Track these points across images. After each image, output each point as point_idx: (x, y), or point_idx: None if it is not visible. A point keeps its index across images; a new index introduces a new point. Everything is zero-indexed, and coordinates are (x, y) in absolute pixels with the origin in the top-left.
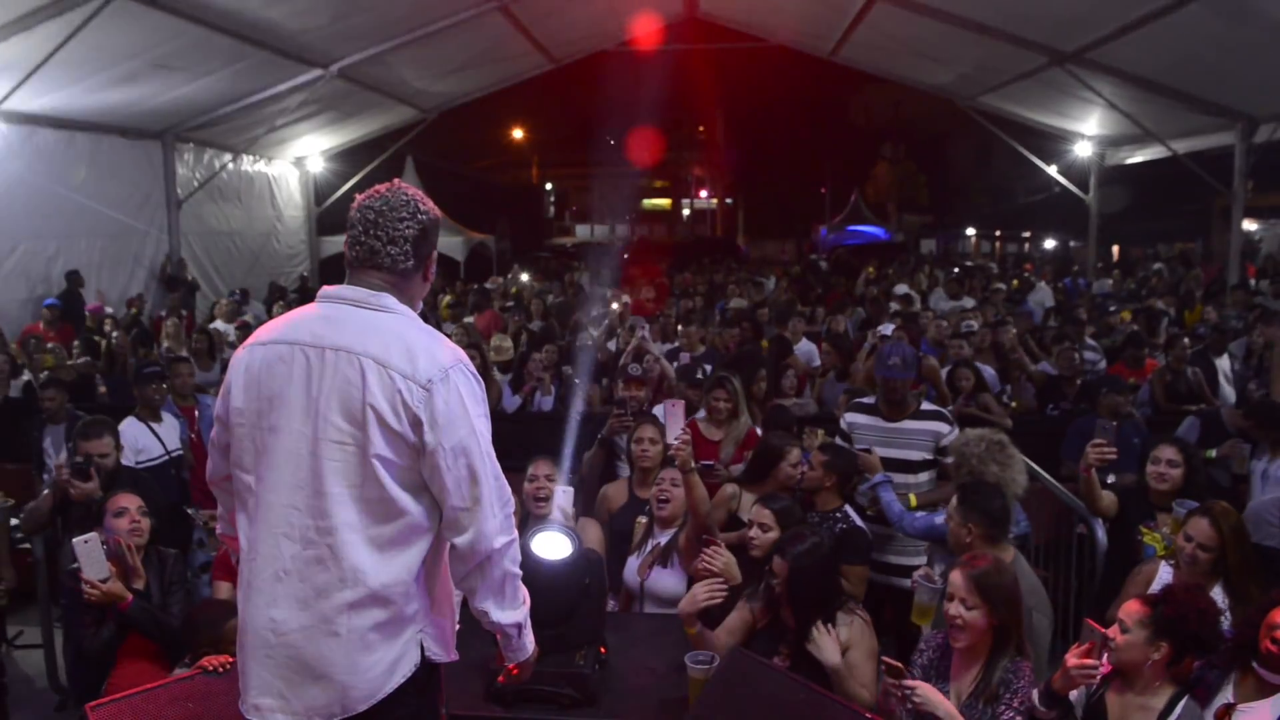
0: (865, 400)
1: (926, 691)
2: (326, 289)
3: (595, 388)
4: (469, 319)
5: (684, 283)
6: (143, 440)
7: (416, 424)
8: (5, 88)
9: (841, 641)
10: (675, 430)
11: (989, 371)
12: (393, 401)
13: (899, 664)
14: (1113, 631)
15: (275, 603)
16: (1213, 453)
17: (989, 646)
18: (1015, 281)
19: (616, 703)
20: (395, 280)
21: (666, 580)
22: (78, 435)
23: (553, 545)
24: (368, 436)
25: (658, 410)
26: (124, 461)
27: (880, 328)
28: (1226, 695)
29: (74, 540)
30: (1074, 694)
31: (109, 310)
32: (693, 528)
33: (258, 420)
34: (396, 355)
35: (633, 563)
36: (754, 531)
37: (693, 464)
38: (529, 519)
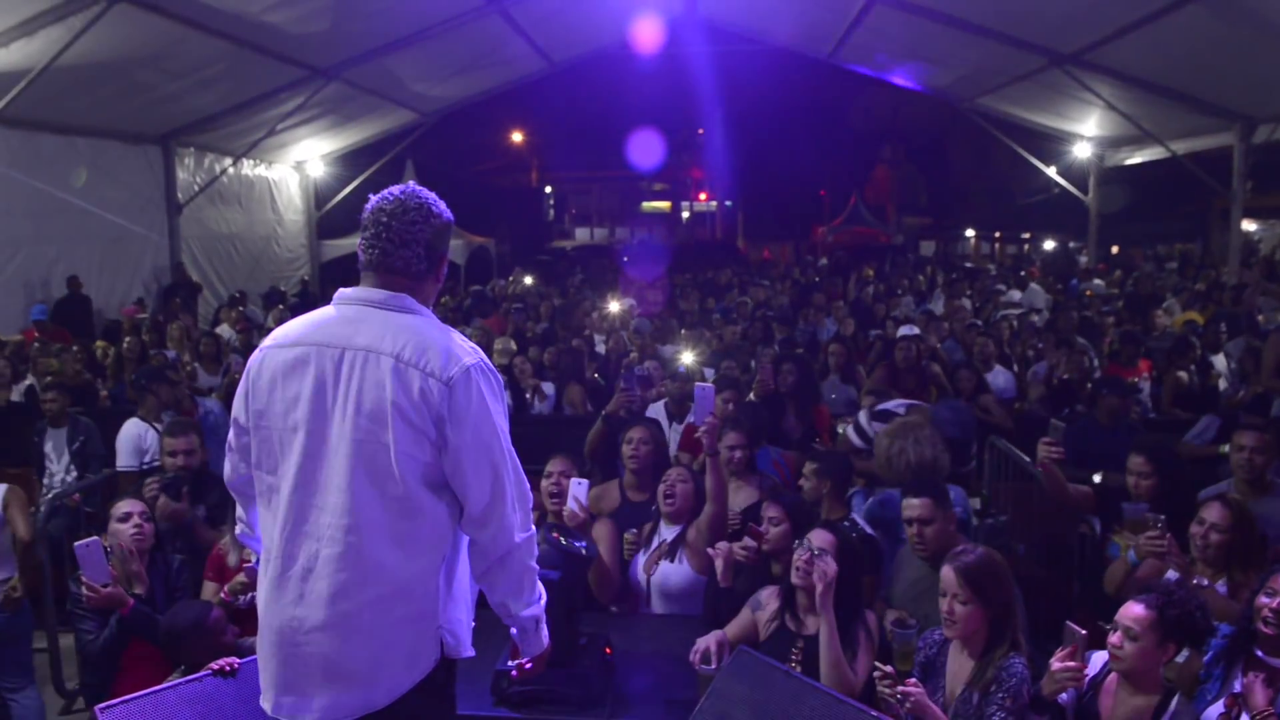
0: (890, 407)
1: (920, 700)
2: (344, 291)
3: (579, 389)
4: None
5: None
6: (149, 440)
7: (439, 421)
8: (7, 93)
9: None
10: (704, 414)
11: (1005, 376)
12: (415, 399)
13: (891, 670)
14: (1118, 638)
15: (299, 600)
16: (1225, 449)
17: (984, 640)
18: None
19: (622, 703)
20: (409, 283)
21: (674, 575)
22: (165, 434)
23: None
24: (391, 434)
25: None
26: (129, 463)
27: (903, 329)
28: (1234, 686)
29: (75, 544)
30: (1064, 696)
31: (143, 315)
32: (713, 515)
33: (280, 421)
34: (419, 353)
35: (639, 559)
36: (764, 526)
37: (719, 447)
38: (545, 515)
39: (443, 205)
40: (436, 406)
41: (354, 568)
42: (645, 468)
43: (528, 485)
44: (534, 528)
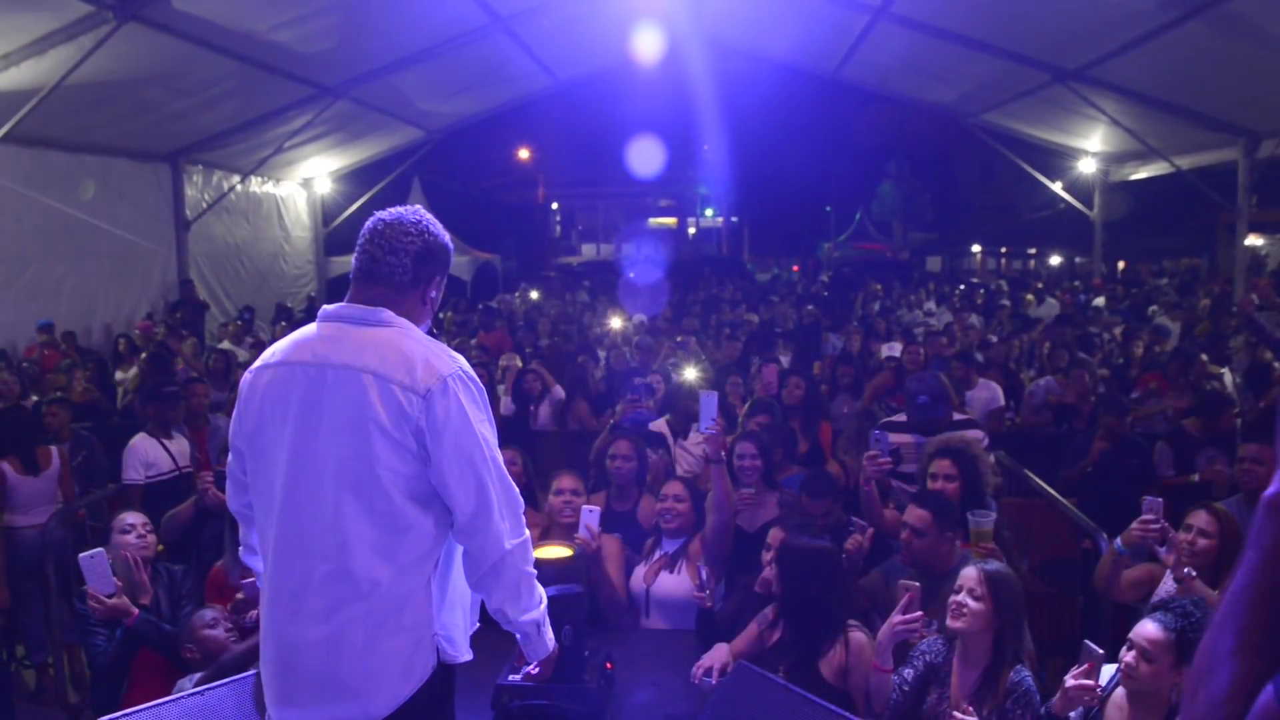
0: (898, 419)
1: None
2: (326, 308)
3: (584, 404)
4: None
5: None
6: (153, 455)
7: (419, 433)
8: (17, 111)
9: (836, 664)
10: (707, 420)
11: (990, 388)
12: (394, 413)
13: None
14: (1133, 658)
15: (294, 617)
16: (1195, 477)
17: (988, 653)
18: (1030, 296)
19: (622, 718)
20: (390, 294)
21: (673, 585)
22: (222, 451)
23: None
24: (373, 450)
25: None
26: (134, 477)
27: (886, 346)
28: None
29: (80, 555)
30: (1072, 713)
31: (158, 330)
32: (716, 524)
33: (270, 442)
34: (394, 367)
35: (639, 571)
36: (768, 557)
37: (722, 455)
38: (552, 530)
39: (441, 230)
40: (415, 419)
41: (345, 584)
42: (628, 482)
43: (516, 491)
44: (526, 532)
